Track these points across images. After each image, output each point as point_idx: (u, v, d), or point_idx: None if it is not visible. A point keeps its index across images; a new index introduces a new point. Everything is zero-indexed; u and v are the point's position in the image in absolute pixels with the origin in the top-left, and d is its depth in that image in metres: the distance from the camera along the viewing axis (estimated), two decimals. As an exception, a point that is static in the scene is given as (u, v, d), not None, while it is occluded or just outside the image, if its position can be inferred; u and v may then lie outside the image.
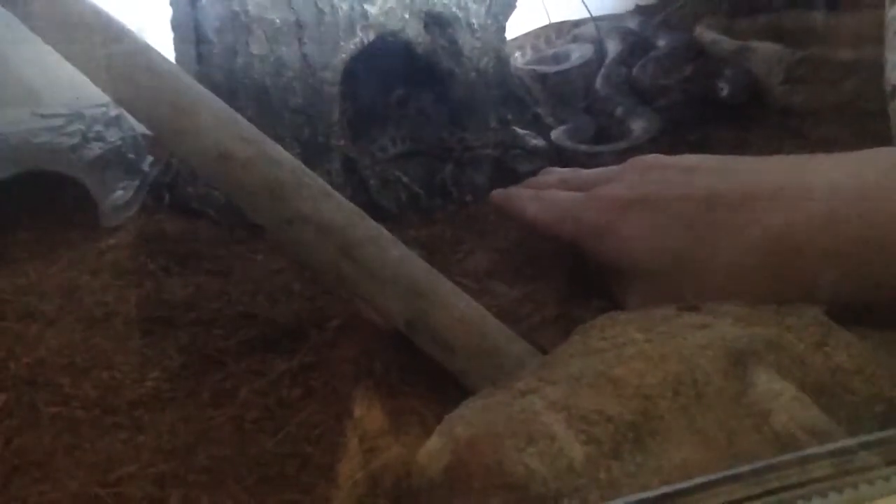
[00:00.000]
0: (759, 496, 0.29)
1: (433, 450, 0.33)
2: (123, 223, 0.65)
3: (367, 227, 0.48)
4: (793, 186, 0.44)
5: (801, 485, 0.30)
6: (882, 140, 0.61)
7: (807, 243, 0.42)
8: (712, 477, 0.29)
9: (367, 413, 0.43)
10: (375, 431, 0.42)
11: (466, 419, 0.34)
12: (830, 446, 0.31)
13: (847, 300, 0.40)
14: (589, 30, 0.94)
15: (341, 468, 0.41)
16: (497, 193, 0.59)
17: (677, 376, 0.32)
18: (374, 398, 0.44)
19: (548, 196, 0.55)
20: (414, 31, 0.68)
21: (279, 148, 0.50)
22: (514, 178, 0.66)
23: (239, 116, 0.51)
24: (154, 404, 0.45)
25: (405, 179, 0.67)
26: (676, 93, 0.79)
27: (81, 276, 0.57)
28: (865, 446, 0.31)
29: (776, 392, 0.34)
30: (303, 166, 0.50)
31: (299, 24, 0.64)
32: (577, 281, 0.53)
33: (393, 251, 0.48)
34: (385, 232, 0.48)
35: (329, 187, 0.50)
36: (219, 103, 0.51)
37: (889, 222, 0.40)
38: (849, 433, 0.31)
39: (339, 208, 0.48)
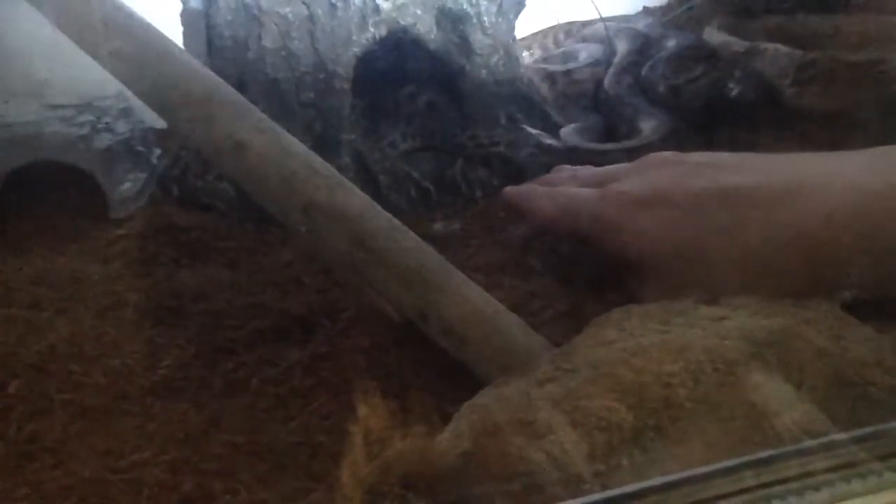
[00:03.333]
0: (758, 487, 0.29)
1: (451, 437, 0.33)
2: (132, 215, 0.64)
3: (381, 218, 0.48)
4: (809, 182, 0.44)
5: (802, 477, 0.30)
6: (890, 142, 0.61)
7: (823, 238, 0.42)
8: (714, 467, 0.29)
9: (379, 403, 0.43)
10: (387, 421, 0.42)
11: (485, 407, 0.34)
12: (839, 437, 0.31)
13: (863, 295, 0.40)
14: (598, 30, 0.94)
15: (353, 457, 0.40)
16: (509, 191, 0.59)
17: (698, 365, 0.32)
18: (385, 388, 0.44)
19: (561, 193, 0.55)
20: (426, 27, 0.68)
21: (293, 138, 0.50)
22: (526, 175, 0.66)
23: (253, 107, 0.51)
24: (166, 392, 0.45)
25: (415, 175, 0.67)
26: (686, 93, 0.79)
27: (91, 266, 0.56)
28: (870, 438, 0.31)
29: (793, 384, 0.34)
30: (317, 157, 0.50)
31: (311, 18, 0.64)
32: (589, 276, 0.53)
33: (406, 242, 0.47)
34: (398, 223, 0.48)
35: (343, 178, 0.49)
36: (234, 93, 0.51)
37: None
38: (871, 424, 0.31)
39: (352, 198, 0.48)
